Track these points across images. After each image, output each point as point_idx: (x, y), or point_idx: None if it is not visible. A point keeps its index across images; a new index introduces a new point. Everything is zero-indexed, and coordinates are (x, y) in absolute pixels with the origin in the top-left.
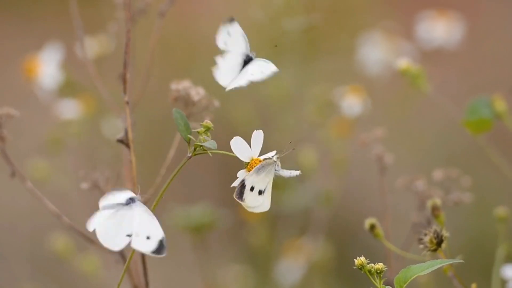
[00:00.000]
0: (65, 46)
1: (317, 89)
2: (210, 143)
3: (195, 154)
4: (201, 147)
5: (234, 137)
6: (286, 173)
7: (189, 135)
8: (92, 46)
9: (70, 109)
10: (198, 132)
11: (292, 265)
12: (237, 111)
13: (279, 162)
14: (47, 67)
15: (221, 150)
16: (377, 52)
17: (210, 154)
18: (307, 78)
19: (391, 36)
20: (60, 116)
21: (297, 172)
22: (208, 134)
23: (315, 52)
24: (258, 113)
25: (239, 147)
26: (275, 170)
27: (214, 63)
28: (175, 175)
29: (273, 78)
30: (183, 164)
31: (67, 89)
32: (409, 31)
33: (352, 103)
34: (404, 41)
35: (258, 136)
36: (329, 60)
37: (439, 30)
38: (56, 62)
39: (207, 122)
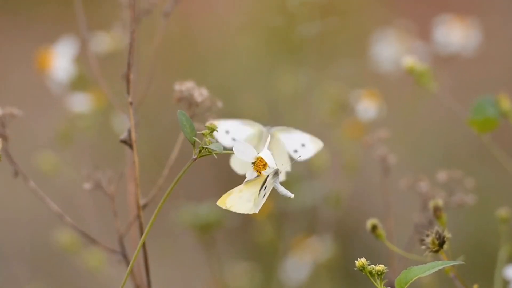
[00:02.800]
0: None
1: (330, 88)
2: (216, 145)
3: (201, 156)
4: (206, 149)
5: (235, 143)
6: (281, 189)
7: (194, 137)
8: (98, 45)
9: (81, 103)
10: (202, 134)
11: (299, 263)
12: (246, 107)
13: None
14: (61, 60)
15: (226, 150)
16: (390, 50)
17: (215, 156)
18: (318, 77)
19: (404, 35)
20: (71, 109)
21: (291, 195)
22: (213, 135)
23: (325, 52)
24: (268, 110)
25: (241, 151)
26: (274, 182)
27: (218, 64)
28: (180, 177)
29: (283, 76)
30: (188, 166)
31: (79, 83)
32: (419, 32)
33: (367, 107)
34: (417, 41)
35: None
36: (340, 60)
37: (457, 35)
38: (69, 56)
39: (212, 124)
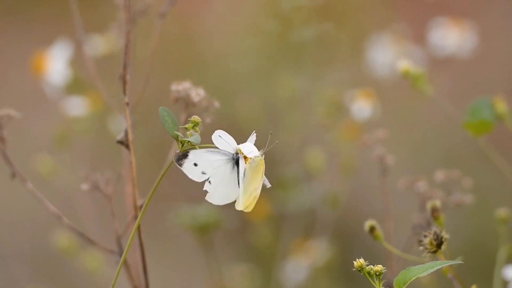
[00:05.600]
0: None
1: (326, 90)
2: (194, 137)
3: (183, 150)
4: (189, 143)
5: (216, 131)
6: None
7: (176, 132)
8: (94, 47)
9: (77, 106)
10: (185, 128)
11: (298, 264)
12: (243, 109)
13: (263, 160)
14: (56, 64)
15: (211, 145)
16: (386, 54)
17: (198, 148)
18: (316, 80)
19: (400, 39)
20: (67, 113)
21: (268, 185)
22: (197, 129)
23: (323, 55)
24: (265, 112)
25: (221, 140)
26: None
27: (216, 66)
28: (165, 171)
29: (281, 78)
30: (172, 162)
31: (75, 86)
32: (416, 35)
33: (362, 106)
34: (413, 44)
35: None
36: (338, 63)
37: (453, 38)
38: (65, 59)
39: (196, 117)
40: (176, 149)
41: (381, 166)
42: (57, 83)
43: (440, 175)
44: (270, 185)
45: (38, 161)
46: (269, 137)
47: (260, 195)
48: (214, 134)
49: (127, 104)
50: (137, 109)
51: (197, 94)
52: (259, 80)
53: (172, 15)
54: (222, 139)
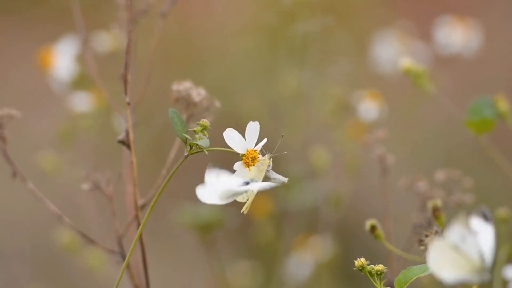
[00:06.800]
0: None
1: (331, 89)
2: (203, 141)
3: (192, 153)
4: (197, 146)
5: (227, 129)
6: (275, 176)
7: (185, 135)
8: (97, 45)
9: (82, 102)
10: (194, 131)
11: (300, 263)
12: (244, 108)
13: (271, 163)
14: (63, 59)
15: (220, 147)
16: (390, 50)
17: (206, 152)
18: (318, 77)
19: (405, 36)
20: (72, 109)
21: (285, 179)
22: (205, 133)
23: (326, 52)
24: (268, 111)
25: (232, 139)
26: (266, 170)
27: (217, 65)
28: (173, 174)
29: (283, 76)
30: (180, 164)
31: (81, 82)
32: (417, 35)
33: (369, 107)
34: (417, 42)
35: (253, 128)
36: (340, 60)
37: (458, 36)
38: (71, 54)
39: (204, 121)
40: (184, 151)
41: (381, 165)
42: (63, 78)
43: (440, 175)
44: (287, 179)
45: (41, 158)
46: (278, 139)
47: (262, 193)
48: (225, 132)
49: (128, 103)
50: (138, 109)
51: (198, 93)
52: (261, 78)
53: (172, 15)
54: (233, 139)
